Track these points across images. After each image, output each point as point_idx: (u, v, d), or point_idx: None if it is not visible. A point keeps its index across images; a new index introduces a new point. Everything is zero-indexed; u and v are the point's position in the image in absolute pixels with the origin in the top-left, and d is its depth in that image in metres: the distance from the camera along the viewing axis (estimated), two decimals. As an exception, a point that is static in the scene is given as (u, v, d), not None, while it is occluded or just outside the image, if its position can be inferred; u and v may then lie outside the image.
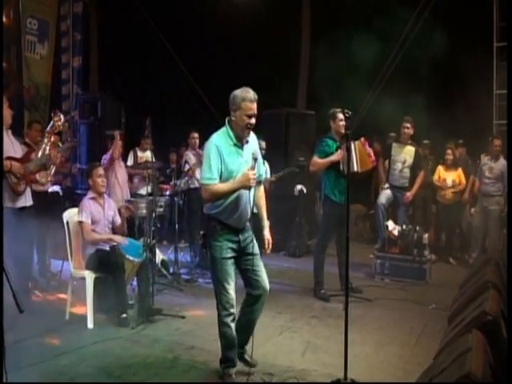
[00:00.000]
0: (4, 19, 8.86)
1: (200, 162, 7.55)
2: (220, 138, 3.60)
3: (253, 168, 3.53)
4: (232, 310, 3.68)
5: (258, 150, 3.83)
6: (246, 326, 3.85)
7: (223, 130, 3.64)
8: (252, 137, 3.75)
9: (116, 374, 3.86)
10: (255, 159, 3.58)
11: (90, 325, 4.85)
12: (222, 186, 3.54)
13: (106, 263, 4.97)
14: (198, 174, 7.22)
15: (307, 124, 9.10)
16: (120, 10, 10.27)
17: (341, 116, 5.77)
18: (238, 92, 3.58)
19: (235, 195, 3.60)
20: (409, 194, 7.02)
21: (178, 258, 6.73)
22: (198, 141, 7.45)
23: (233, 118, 3.60)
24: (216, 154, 3.53)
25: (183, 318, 5.11)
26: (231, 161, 3.57)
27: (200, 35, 10.87)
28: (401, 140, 7.18)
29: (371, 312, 5.45)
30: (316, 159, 5.87)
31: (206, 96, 9.99)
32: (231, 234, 3.67)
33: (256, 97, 3.57)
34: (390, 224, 6.98)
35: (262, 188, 3.98)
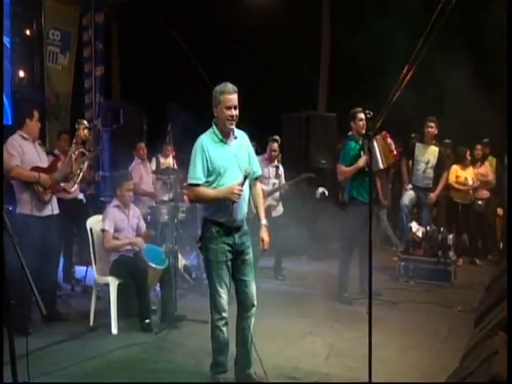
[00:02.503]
0: (27, 31, 9.04)
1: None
2: (206, 137, 3.65)
3: (241, 184, 3.54)
4: (224, 314, 3.66)
5: (251, 147, 3.84)
6: (241, 339, 3.77)
7: (209, 130, 3.69)
8: (240, 133, 3.76)
9: (139, 379, 3.88)
10: (245, 177, 3.58)
11: (114, 330, 4.88)
12: (207, 192, 3.59)
13: (129, 269, 5.01)
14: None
15: (328, 126, 9.03)
16: (140, 18, 10.39)
17: (361, 116, 5.75)
18: (217, 87, 3.62)
19: None
20: (433, 195, 6.94)
21: (201, 263, 6.74)
22: None
23: (215, 115, 3.63)
24: (201, 152, 3.57)
25: (206, 322, 5.09)
26: (218, 156, 3.59)
27: (221, 41, 10.93)
28: (424, 140, 7.11)
29: (395, 315, 5.38)
30: (343, 168, 5.83)
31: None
32: (227, 237, 3.63)
33: (235, 89, 3.59)
34: (414, 225, 6.91)
35: (258, 185, 3.93)
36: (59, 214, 5.27)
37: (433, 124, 6.94)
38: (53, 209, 5.15)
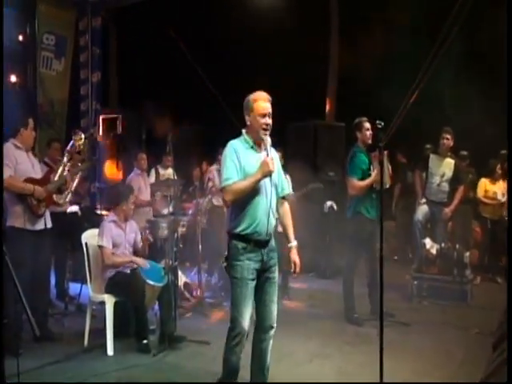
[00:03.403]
0: (20, 36, 9.12)
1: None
2: (236, 142, 3.72)
3: (270, 155, 3.61)
4: (243, 338, 3.64)
5: (280, 164, 3.89)
6: (256, 365, 3.78)
7: (239, 137, 3.76)
8: (273, 151, 3.77)
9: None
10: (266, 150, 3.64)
11: (110, 351, 4.88)
12: (242, 182, 3.59)
13: (126, 287, 5.02)
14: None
15: (337, 137, 9.08)
16: (139, 23, 10.48)
17: (367, 125, 5.79)
18: (250, 95, 3.71)
19: (252, 201, 3.62)
20: (448, 210, 6.94)
21: (202, 281, 6.76)
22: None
23: (248, 123, 3.71)
24: (233, 154, 3.63)
25: (208, 343, 5.11)
26: (248, 162, 3.64)
27: (226, 47, 11.02)
28: (439, 152, 7.11)
29: (408, 337, 5.37)
30: (355, 182, 5.80)
31: (232, 111, 10.08)
32: (253, 253, 3.64)
33: (269, 97, 3.69)
34: (428, 242, 6.90)
35: (286, 205, 3.96)
36: (52, 228, 5.30)
37: (449, 135, 6.95)
38: (46, 222, 5.18)
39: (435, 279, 6.77)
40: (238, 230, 3.65)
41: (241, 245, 3.64)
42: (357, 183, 5.80)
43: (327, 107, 11.14)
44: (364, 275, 6.08)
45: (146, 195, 7.43)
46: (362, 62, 8.35)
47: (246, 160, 3.63)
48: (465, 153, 8.46)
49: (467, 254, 6.84)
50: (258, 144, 3.71)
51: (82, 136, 5.50)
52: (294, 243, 3.87)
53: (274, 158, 3.72)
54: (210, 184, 7.58)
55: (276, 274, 3.76)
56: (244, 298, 3.61)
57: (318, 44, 10.82)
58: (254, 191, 3.61)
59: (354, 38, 9.73)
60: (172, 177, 6.45)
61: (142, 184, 7.44)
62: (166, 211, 7.55)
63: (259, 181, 3.58)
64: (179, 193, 7.52)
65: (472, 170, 8.45)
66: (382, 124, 4.03)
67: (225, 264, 3.72)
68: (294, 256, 3.84)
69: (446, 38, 7.72)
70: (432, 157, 7.14)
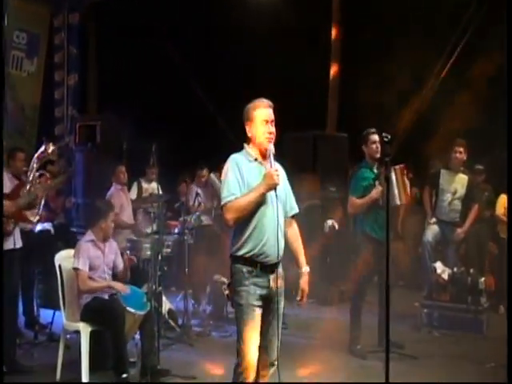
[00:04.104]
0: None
1: (212, 197, 7.72)
2: (238, 156, 3.76)
3: (274, 166, 3.63)
4: (251, 374, 3.63)
5: (287, 181, 3.93)
6: None
7: (241, 151, 3.82)
8: (278, 166, 3.78)
9: None
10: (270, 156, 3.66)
11: (86, 386, 4.88)
12: (244, 198, 3.59)
13: (103, 314, 5.02)
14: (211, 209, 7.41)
15: (339, 148, 9.14)
16: (123, 20, 10.53)
17: (374, 138, 5.83)
18: (250, 104, 3.79)
19: (258, 219, 3.63)
20: (460, 231, 6.99)
21: (188, 307, 6.76)
22: (204, 179, 7.75)
23: (249, 135, 3.77)
24: (235, 168, 3.66)
25: (194, 378, 5.11)
26: (252, 177, 3.66)
27: (217, 51, 11.10)
28: (451, 167, 7.14)
29: (417, 371, 5.39)
30: (354, 200, 5.88)
31: (223, 118, 10.18)
32: (260, 278, 3.65)
33: (271, 103, 3.76)
34: (439, 266, 6.93)
35: (295, 225, 3.98)
36: (22, 248, 5.30)
37: (461, 149, 6.96)
38: (15, 241, 5.19)
39: (447, 307, 6.79)
40: (243, 251, 3.65)
41: (246, 268, 3.64)
42: (354, 201, 5.89)
43: (328, 116, 11.20)
44: (372, 303, 6.11)
45: (128, 214, 7.45)
46: (367, 67, 8.45)
47: (250, 174, 3.66)
48: (480, 167, 8.47)
49: (482, 279, 6.86)
50: (262, 156, 3.75)
51: (51, 148, 5.44)
52: (306, 269, 3.91)
53: (279, 170, 3.73)
54: (199, 199, 7.60)
55: (282, 305, 3.77)
56: (251, 328, 3.62)
57: (319, 50, 10.94)
58: (259, 208, 3.62)
59: (358, 43, 9.87)
60: (156, 191, 6.48)
61: (124, 201, 7.46)
62: (149, 230, 7.57)
63: (263, 195, 3.59)
64: (164, 209, 7.56)
65: (488, 187, 8.47)
66: (389, 137, 4.06)
67: (227, 291, 3.75)
68: (304, 284, 3.89)
69: (455, 46, 7.87)
70: (443, 172, 7.18)
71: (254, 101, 3.77)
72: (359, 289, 6.03)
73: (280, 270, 3.77)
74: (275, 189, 3.63)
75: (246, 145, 3.80)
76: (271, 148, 3.67)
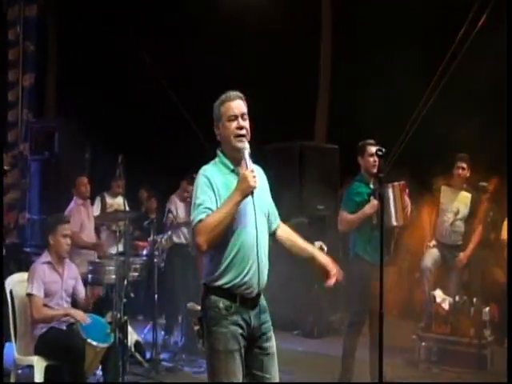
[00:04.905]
0: None
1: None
2: (211, 168, 3.51)
3: (250, 167, 3.36)
4: None
5: (268, 189, 3.72)
6: None
7: (214, 160, 3.58)
8: (258, 170, 3.57)
9: None
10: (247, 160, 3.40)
11: (39, 429, 4.84)
12: (217, 214, 3.30)
13: (60, 347, 5.00)
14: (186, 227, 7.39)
15: (329, 161, 9.18)
16: (88, 14, 10.52)
17: (372, 150, 5.83)
18: (217, 100, 3.55)
19: (238, 242, 3.38)
20: (463, 255, 7.07)
21: (158, 339, 6.74)
22: (188, 195, 7.67)
23: (218, 138, 3.54)
24: (206, 183, 3.40)
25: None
26: (229, 191, 3.37)
27: (196, 50, 11.14)
28: (453, 184, 7.22)
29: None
30: (345, 215, 5.85)
31: (200, 127, 10.18)
32: (240, 315, 3.40)
33: (240, 95, 3.52)
34: (439, 294, 6.98)
35: (283, 226, 3.80)
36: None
37: (464, 164, 7.04)
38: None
39: (447, 341, 6.81)
40: (221, 282, 3.40)
41: (223, 303, 3.38)
42: (345, 216, 5.85)
43: (317, 125, 11.25)
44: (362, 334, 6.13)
45: (89, 232, 7.42)
46: (359, 74, 8.57)
47: (226, 189, 3.37)
48: (484, 184, 8.57)
49: (487, 309, 6.91)
50: (237, 162, 3.47)
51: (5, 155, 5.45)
52: (317, 243, 3.72)
53: (261, 179, 3.58)
54: (170, 217, 7.60)
55: (273, 343, 3.56)
56: (230, 376, 3.37)
57: (307, 53, 11.06)
58: (237, 226, 3.38)
59: (349, 48, 10.01)
60: (122, 207, 6.47)
61: (85, 217, 7.43)
62: (113, 251, 7.55)
63: (238, 204, 3.30)
64: (131, 228, 7.54)
65: (493, 207, 8.58)
66: (384, 151, 4.10)
67: (197, 327, 3.61)
68: (323, 258, 3.69)
69: (455, 53, 8.00)
70: (444, 189, 7.25)
71: (220, 96, 3.53)
72: (355, 319, 6.00)
73: (263, 302, 3.57)
74: (260, 209, 3.46)
75: (219, 153, 3.55)
76: (245, 146, 3.41)
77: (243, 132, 3.44)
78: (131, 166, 6.10)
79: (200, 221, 3.30)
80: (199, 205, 3.35)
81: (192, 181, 7.65)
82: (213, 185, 3.39)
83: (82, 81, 11.11)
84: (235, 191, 3.30)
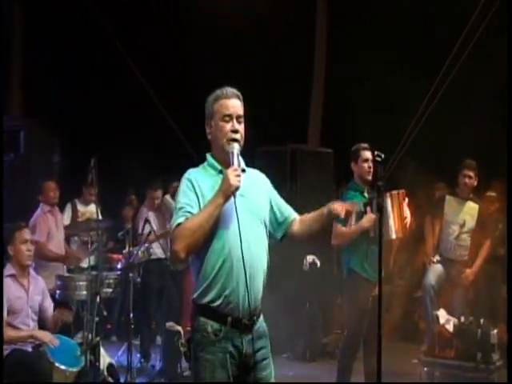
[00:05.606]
0: None
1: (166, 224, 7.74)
2: (196, 171, 3.51)
3: (234, 165, 3.32)
4: None
5: (274, 193, 3.71)
6: None
7: (202, 164, 3.57)
8: (256, 174, 3.65)
9: None
10: (243, 170, 3.40)
11: None
12: (195, 217, 3.27)
13: (25, 371, 4.98)
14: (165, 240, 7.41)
15: (322, 166, 9.20)
16: (58, 5, 10.53)
17: (366, 155, 5.85)
18: (210, 95, 3.52)
19: (225, 250, 3.30)
20: (469, 272, 7.10)
21: (133, 362, 6.73)
22: (158, 201, 7.69)
23: (209, 137, 3.52)
24: (189, 187, 3.38)
25: None
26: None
27: (181, 47, 11.18)
28: (459, 193, 7.24)
29: None
30: (339, 229, 5.80)
31: (182, 130, 10.22)
32: (230, 340, 3.34)
33: (237, 93, 3.49)
34: (442, 314, 6.99)
35: (298, 217, 3.73)
36: None
37: (471, 173, 7.05)
38: None
39: (452, 366, 6.81)
40: (207, 299, 3.34)
41: (212, 327, 3.32)
42: (339, 230, 5.81)
43: (310, 127, 11.29)
44: (357, 358, 6.14)
45: (58, 243, 7.37)
46: (353, 74, 8.65)
47: (209, 192, 3.33)
48: (493, 194, 8.61)
49: (495, 331, 6.91)
50: (225, 164, 3.42)
51: None
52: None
53: (260, 184, 3.59)
54: (147, 228, 7.59)
55: (269, 372, 3.49)
56: None
57: (301, 53, 11.14)
58: (222, 234, 3.31)
59: (343, 48, 10.12)
60: (95, 216, 6.47)
61: (53, 226, 7.39)
62: (85, 264, 7.54)
63: (220, 206, 3.26)
64: (104, 239, 7.53)
65: (502, 218, 8.63)
66: (382, 156, 4.11)
67: (184, 349, 3.60)
68: (334, 204, 3.58)
69: (459, 54, 8.10)
70: (449, 199, 7.27)
71: (215, 91, 3.50)
72: (349, 343, 6.03)
73: (262, 325, 3.51)
74: (251, 214, 3.39)
75: (209, 157, 3.53)
76: (234, 146, 3.37)
77: (237, 136, 3.41)
78: (105, 172, 6.11)
79: (178, 225, 3.27)
80: (179, 209, 3.32)
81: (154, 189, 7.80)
82: (196, 188, 3.37)
83: (51, 76, 11.11)
84: (217, 192, 3.27)
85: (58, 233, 7.44)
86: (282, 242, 3.71)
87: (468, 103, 8.88)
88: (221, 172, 3.42)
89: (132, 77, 9.94)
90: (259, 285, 3.43)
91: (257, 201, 3.51)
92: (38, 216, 7.33)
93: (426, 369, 6.93)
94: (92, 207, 7.50)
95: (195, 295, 3.40)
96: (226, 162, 3.41)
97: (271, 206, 3.62)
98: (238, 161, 3.35)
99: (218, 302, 3.31)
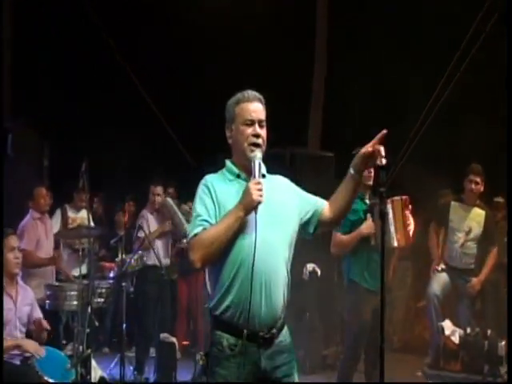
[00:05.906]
0: None
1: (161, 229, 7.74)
2: (215, 176, 3.53)
3: (256, 178, 3.33)
4: None
5: (299, 191, 3.78)
6: None
7: (221, 170, 3.59)
8: (277, 178, 3.68)
9: None
10: (261, 173, 3.40)
11: None
12: (213, 228, 3.29)
13: (12, 385, 4.98)
14: (160, 247, 7.42)
15: (323, 171, 9.19)
16: (49, 3, 10.55)
17: None
18: (232, 98, 3.54)
19: (239, 260, 3.31)
20: (476, 281, 7.09)
21: (126, 375, 6.73)
22: (160, 198, 7.66)
23: (230, 142, 3.54)
24: (205, 193, 3.40)
25: None
26: (232, 198, 3.35)
27: (174, 47, 11.20)
28: (465, 199, 7.24)
29: None
30: (338, 236, 5.85)
31: (176, 132, 10.21)
32: (247, 356, 3.29)
33: (259, 96, 3.52)
34: (448, 326, 6.99)
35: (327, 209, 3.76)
36: None
37: (478, 178, 7.05)
38: None
39: (457, 378, 6.81)
40: (220, 309, 3.34)
41: (227, 340, 3.30)
42: (338, 237, 5.85)
43: (310, 130, 11.29)
44: (360, 371, 6.15)
45: (47, 250, 7.36)
46: (354, 76, 8.68)
47: (229, 198, 3.36)
48: (500, 200, 8.61)
49: (503, 343, 6.92)
50: (248, 171, 3.42)
51: None
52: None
53: (282, 187, 3.63)
54: (141, 234, 7.60)
55: None
56: None
57: (301, 54, 11.19)
58: (238, 246, 3.31)
59: (343, 49, 10.18)
60: (86, 222, 6.47)
61: (42, 234, 7.38)
62: (75, 273, 7.53)
63: (240, 219, 3.26)
64: (96, 246, 7.53)
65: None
66: (385, 161, 4.11)
67: (203, 361, 3.60)
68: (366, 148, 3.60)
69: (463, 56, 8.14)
70: (454, 205, 7.28)
71: (236, 94, 3.52)
72: (349, 355, 6.03)
73: (285, 339, 3.51)
74: (274, 218, 3.39)
75: (228, 162, 3.54)
76: (256, 154, 3.38)
77: (259, 141, 3.44)
78: (97, 176, 6.12)
79: (195, 235, 3.29)
80: (196, 217, 3.35)
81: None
82: (211, 192, 3.39)
83: (42, 74, 11.13)
84: (237, 205, 3.28)
85: (47, 241, 7.41)
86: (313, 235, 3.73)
87: (473, 107, 8.90)
88: (238, 176, 3.47)
89: (126, 78, 9.95)
90: (279, 296, 3.43)
91: (279, 209, 3.50)
92: (27, 223, 7.28)
93: (430, 381, 6.94)
94: (83, 213, 7.47)
95: (211, 305, 3.39)
96: (245, 168, 3.45)
97: (299, 211, 3.63)
98: (259, 172, 3.36)
99: (231, 312, 3.29)
